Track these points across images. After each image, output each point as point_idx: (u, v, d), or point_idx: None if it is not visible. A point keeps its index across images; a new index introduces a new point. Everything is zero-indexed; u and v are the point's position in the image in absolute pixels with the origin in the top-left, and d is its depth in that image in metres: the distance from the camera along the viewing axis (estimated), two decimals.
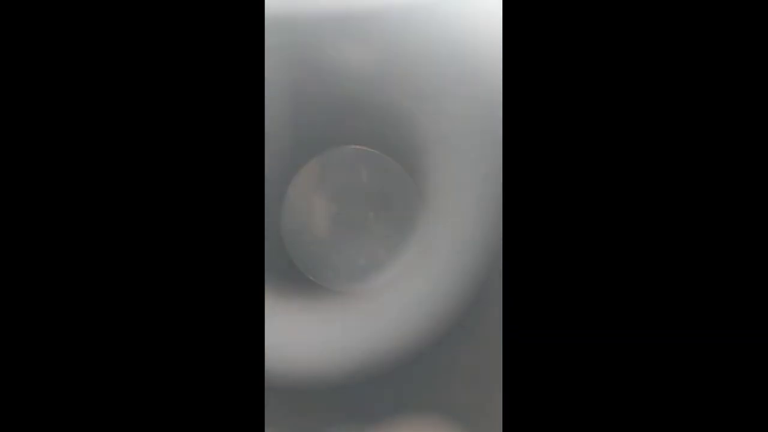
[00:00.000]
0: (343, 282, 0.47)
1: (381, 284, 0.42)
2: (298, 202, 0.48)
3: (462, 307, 0.38)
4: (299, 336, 0.38)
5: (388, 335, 0.37)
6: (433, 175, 0.41)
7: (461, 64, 0.39)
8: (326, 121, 0.45)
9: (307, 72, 0.41)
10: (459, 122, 0.39)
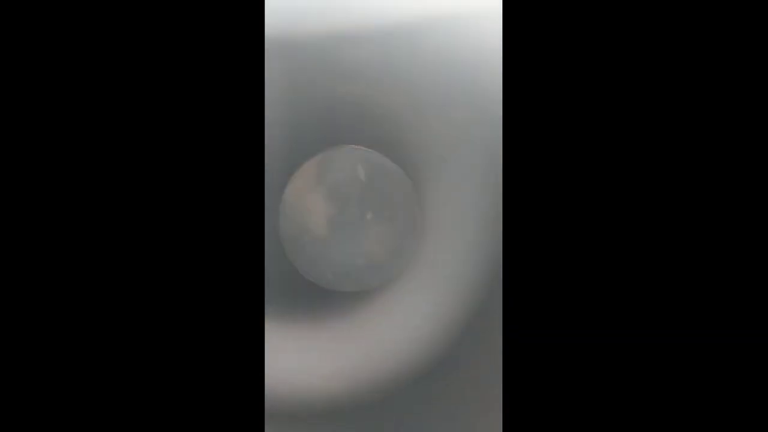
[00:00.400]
0: (341, 282, 0.47)
1: (382, 298, 0.42)
2: (296, 202, 0.48)
3: (463, 324, 0.38)
4: (300, 357, 0.38)
5: (390, 353, 0.38)
6: (433, 181, 0.41)
7: (462, 74, 0.39)
8: (326, 126, 0.45)
9: (308, 78, 0.41)
10: (459, 129, 0.39)
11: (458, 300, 0.38)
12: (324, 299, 0.46)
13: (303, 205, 0.48)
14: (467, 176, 0.39)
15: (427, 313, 0.38)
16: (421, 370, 0.39)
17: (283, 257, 0.47)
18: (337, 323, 0.41)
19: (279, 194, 0.47)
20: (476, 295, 0.39)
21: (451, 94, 0.39)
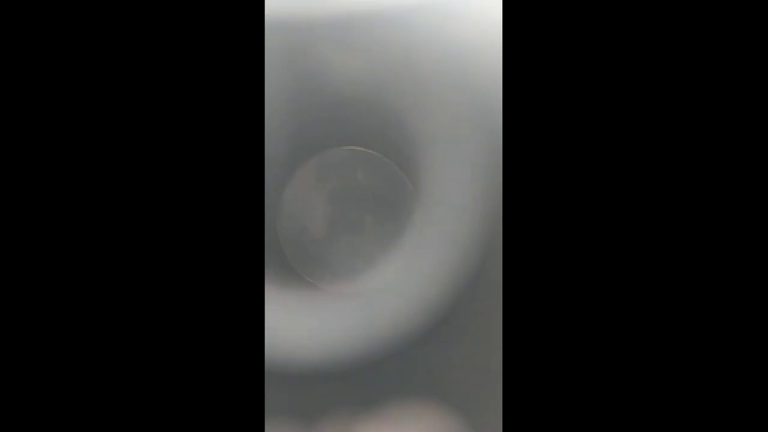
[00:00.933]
0: (339, 283, 0.47)
1: (378, 280, 0.42)
2: (295, 203, 0.48)
3: (460, 295, 0.38)
4: (298, 323, 0.38)
5: (386, 323, 0.38)
6: (431, 177, 0.41)
7: (460, 66, 0.39)
8: (325, 125, 0.45)
9: (306, 76, 0.41)
10: (458, 125, 0.39)
11: (456, 283, 0.38)
12: (321, 293, 0.46)
13: (302, 206, 0.48)
14: (466, 173, 0.39)
15: (424, 299, 0.38)
16: (419, 358, 0.39)
17: (283, 258, 0.47)
18: (333, 304, 0.41)
19: (279, 195, 0.47)
20: (475, 291, 0.39)
21: (449, 76, 0.39)
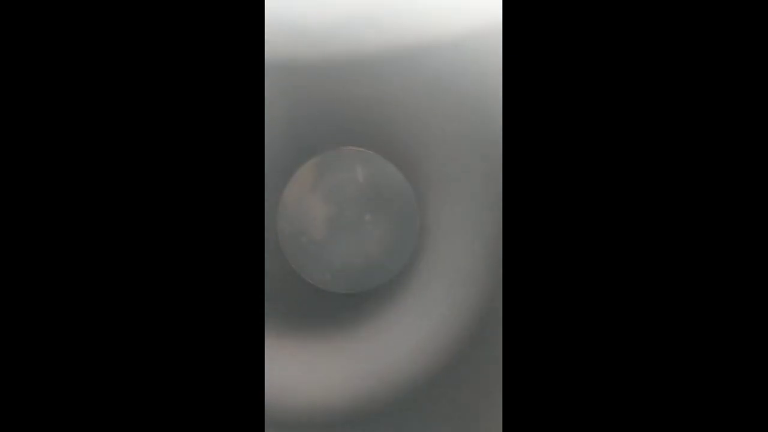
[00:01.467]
0: (339, 283, 0.47)
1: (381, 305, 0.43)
2: (295, 204, 0.48)
3: (464, 332, 0.38)
4: (299, 364, 0.39)
5: (390, 368, 0.38)
6: (433, 188, 0.41)
7: (462, 96, 0.39)
8: (326, 134, 0.45)
9: (308, 100, 0.41)
10: (459, 146, 0.39)
11: (458, 307, 0.39)
12: (323, 301, 0.47)
13: (302, 206, 0.48)
14: (467, 184, 0.39)
15: (427, 322, 0.39)
16: (422, 379, 0.39)
17: (282, 258, 0.47)
18: (336, 331, 0.41)
19: (279, 195, 0.47)
20: (476, 302, 0.39)
21: (451, 114, 0.39)
